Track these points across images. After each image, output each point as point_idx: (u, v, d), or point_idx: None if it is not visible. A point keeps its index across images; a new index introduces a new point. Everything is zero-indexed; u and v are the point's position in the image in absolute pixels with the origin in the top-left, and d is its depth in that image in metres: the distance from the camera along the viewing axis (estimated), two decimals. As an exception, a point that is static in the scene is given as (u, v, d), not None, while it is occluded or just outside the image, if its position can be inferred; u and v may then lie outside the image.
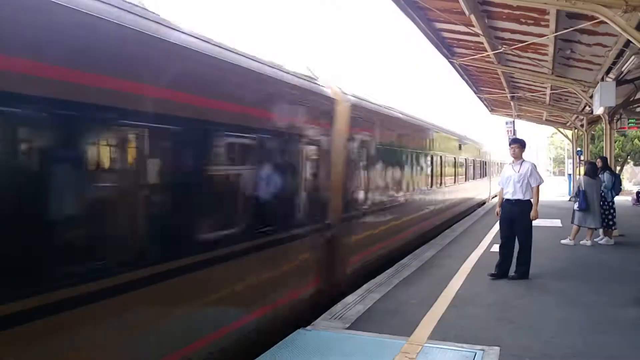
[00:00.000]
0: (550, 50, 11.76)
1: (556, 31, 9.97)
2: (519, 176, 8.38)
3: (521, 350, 5.22)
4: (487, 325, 6.08)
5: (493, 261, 8.71)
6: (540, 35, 10.88)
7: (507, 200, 8.48)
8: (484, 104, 25.31)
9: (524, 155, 8.62)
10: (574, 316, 6.41)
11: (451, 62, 15.10)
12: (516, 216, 8.32)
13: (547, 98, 19.76)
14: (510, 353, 5.15)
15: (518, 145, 8.60)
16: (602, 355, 5.16)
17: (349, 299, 7.15)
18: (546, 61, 13.21)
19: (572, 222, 11.92)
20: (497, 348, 5.26)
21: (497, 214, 8.68)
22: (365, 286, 7.84)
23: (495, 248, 9.31)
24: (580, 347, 5.37)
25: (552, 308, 6.77)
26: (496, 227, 11.10)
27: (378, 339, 5.55)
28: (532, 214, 8.27)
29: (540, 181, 8.40)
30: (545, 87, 17.63)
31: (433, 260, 9.98)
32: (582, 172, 13.62)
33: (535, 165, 8.51)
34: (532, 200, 8.33)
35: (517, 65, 14.91)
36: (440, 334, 5.70)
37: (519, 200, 8.31)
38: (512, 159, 8.64)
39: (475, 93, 21.19)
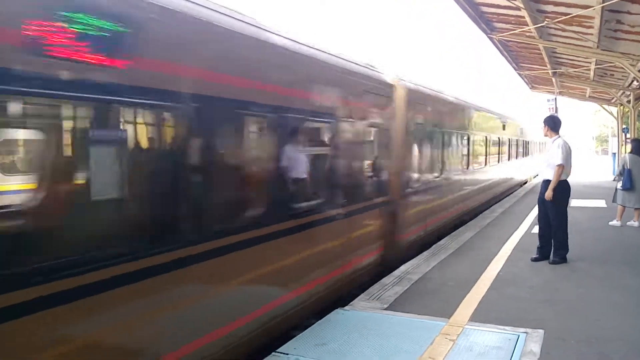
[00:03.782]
0: (596, 22, 11.24)
1: (603, 2, 9.51)
2: (548, 155, 8.12)
3: (566, 333, 5.08)
4: (529, 307, 5.94)
5: (534, 243, 8.48)
6: (586, 7, 10.41)
7: (542, 180, 8.23)
8: (524, 81, 24.63)
9: (561, 133, 8.20)
10: (619, 299, 6.20)
11: (490, 38, 14.65)
12: (544, 196, 8.01)
13: (592, 73, 19.00)
14: (554, 336, 5.02)
15: (546, 123, 8.25)
16: (652, 339, 4.98)
17: (386, 280, 7.09)
18: (591, 34, 12.64)
19: (614, 202, 11.49)
20: (541, 331, 5.13)
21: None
22: (402, 267, 7.77)
23: (536, 230, 9.08)
24: (627, 330, 5.19)
25: (597, 290, 6.57)
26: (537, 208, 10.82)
27: (417, 320, 5.49)
28: (546, 193, 7.92)
29: (560, 161, 7.77)
30: (590, 62, 16.93)
31: (472, 242, 9.80)
32: (628, 150, 13.06)
33: (561, 144, 7.91)
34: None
35: (560, 39, 14.35)
36: (481, 315, 5.60)
37: (546, 180, 8.04)
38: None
39: (515, 70, 20.58)
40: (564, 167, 7.81)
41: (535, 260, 8.11)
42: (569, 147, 8.01)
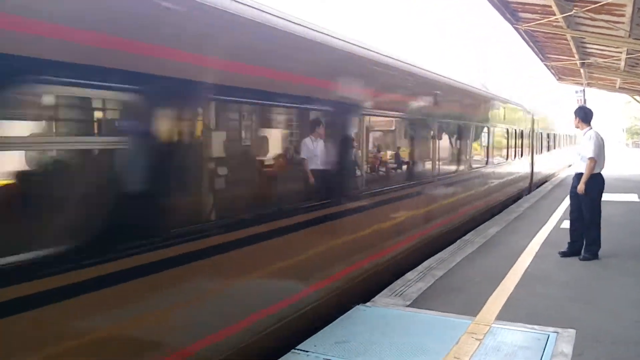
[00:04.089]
0: (628, 10, 10.82)
1: (636, -12, 9.13)
2: (579, 148, 7.84)
3: (600, 334, 4.82)
4: (560, 305, 5.68)
5: (564, 239, 8.19)
6: (617, -6, 10.05)
7: (575, 173, 7.95)
8: (551, 72, 24.07)
9: (592, 124, 7.87)
10: (658, 298, 5.90)
11: (515, 28, 14.28)
12: (576, 190, 7.71)
13: (622, 64, 18.39)
14: (587, 336, 4.77)
15: (577, 114, 7.93)
16: (693, 340, 4.69)
17: (410, 275, 6.89)
18: (623, 23, 12.20)
19: None
20: (573, 331, 4.88)
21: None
22: (426, 263, 7.55)
23: (566, 224, 8.77)
24: (668, 331, 4.91)
25: (632, 289, 6.27)
26: (566, 201, 10.47)
27: (442, 317, 5.29)
28: (578, 186, 7.61)
29: (591, 154, 7.45)
30: (620, 52, 16.40)
31: (498, 237, 9.52)
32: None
33: (592, 136, 7.58)
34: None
35: (589, 29, 13.92)
36: (509, 314, 5.37)
37: (579, 173, 7.73)
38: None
39: (542, 61, 20.09)
40: (596, 160, 7.50)
41: (564, 255, 7.82)
42: (602, 139, 7.68)
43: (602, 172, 7.69)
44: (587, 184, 7.50)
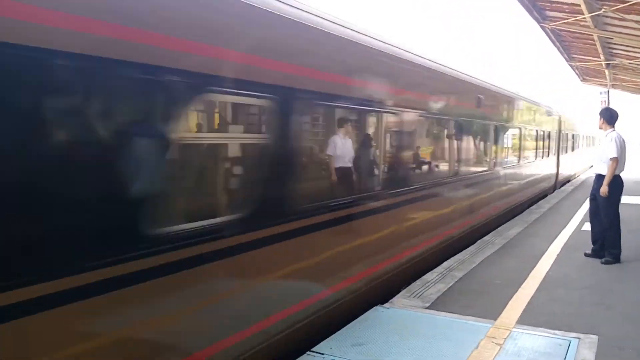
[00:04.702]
0: (658, 10, 10.62)
1: (668, -13, 8.92)
2: (600, 149, 7.73)
3: (623, 341, 4.73)
4: (582, 310, 5.59)
5: (585, 241, 8.07)
6: (648, -7, 9.83)
7: (595, 175, 7.87)
8: (575, 73, 23.67)
9: (616, 126, 7.74)
10: (683, 305, 5.77)
11: (542, 27, 14.07)
12: (596, 192, 7.63)
13: (649, 65, 18.09)
14: (610, 343, 4.68)
15: (602, 115, 7.81)
16: None
17: (429, 276, 6.83)
18: (651, 24, 11.97)
19: None
20: (595, 337, 4.79)
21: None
22: (445, 264, 7.49)
23: (587, 227, 8.63)
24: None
25: (657, 295, 6.15)
26: (587, 204, 10.29)
27: (461, 321, 5.22)
28: (601, 188, 7.45)
29: (614, 154, 7.32)
30: (648, 53, 16.10)
31: (518, 239, 9.40)
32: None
33: (615, 137, 7.45)
34: None
35: (617, 29, 13.65)
36: (529, 318, 5.29)
37: (599, 175, 7.62)
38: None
39: (567, 61, 19.77)
40: (619, 160, 7.36)
41: (587, 255, 7.78)
42: (623, 141, 7.54)
43: (621, 175, 7.56)
44: (609, 185, 7.38)
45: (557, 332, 4.93)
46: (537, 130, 15.26)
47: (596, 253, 7.75)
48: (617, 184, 7.50)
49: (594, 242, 7.85)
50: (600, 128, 7.89)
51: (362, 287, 5.67)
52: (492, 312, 5.43)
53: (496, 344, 4.63)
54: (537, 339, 4.77)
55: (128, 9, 2.95)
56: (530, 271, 7.07)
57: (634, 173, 22.34)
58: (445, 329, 4.98)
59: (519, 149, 13.42)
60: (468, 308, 5.59)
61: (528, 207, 13.81)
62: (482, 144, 10.70)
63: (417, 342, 4.66)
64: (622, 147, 7.45)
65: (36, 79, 2.52)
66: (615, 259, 7.55)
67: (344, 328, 4.98)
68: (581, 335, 4.83)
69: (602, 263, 7.53)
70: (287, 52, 4.38)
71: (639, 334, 4.90)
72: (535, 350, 4.53)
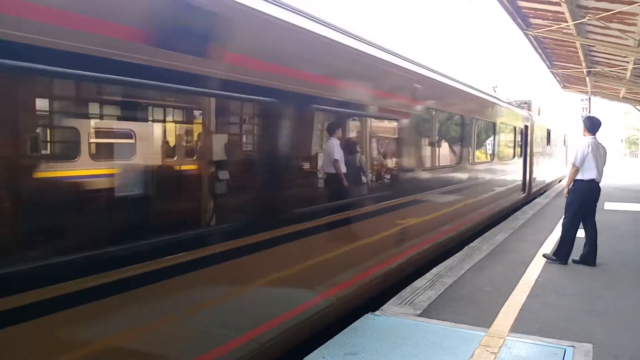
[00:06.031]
0: (640, 19, 10.73)
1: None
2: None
3: (618, 349, 4.68)
4: (574, 317, 5.54)
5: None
6: (630, 3, 9.90)
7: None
8: (557, 79, 23.91)
9: (598, 134, 7.89)
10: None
11: (525, 34, 14.16)
12: None
13: (628, 73, 18.26)
14: (605, 351, 4.63)
15: (584, 124, 8.12)
16: None
17: (418, 283, 6.74)
18: (633, 32, 12.09)
19: None
20: (590, 345, 4.74)
21: None
22: (434, 270, 7.41)
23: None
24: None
25: (645, 300, 6.14)
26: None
27: (454, 329, 5.13)
28: (564, 190, 7.98)
29: (572, 161, 7.87)
30: (627, 62, 16.26)
31: (505, 244, 9.38)
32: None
33: (581, 145, 7.73)
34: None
35: (599, 37, 13.79)
36: (522, 326, 5.22)
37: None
38: None
39: (549, 68, 19.96)
40: (578, 167, 7.62)
41: (575, 262, 7.83)
42: (596, 148, 7.64)
43: (598, 182, 7.71)
44: (571, 189, 7.77)
45: (551, 340, 4.86)
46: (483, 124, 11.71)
47: (584, 259, 7.75)
48: (580, 191, 7.70)
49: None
50: (584, 135, 7.97)
51: None
52: (485, 320, 5.35)
53: (491, 352, 4.54)
54: (532, 347, 4.69)
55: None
56: (520, 277, 7.02)
57: (615, 180, 22.69)
58: (437, 337, 4.88)
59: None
60: (460, 315, 5.51)
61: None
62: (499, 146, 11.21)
63: (410, 350, 4.55)
64: (586, 155, 7.59)
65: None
66: (560, 258, 7.79)
67: (336, 336, 4.85)
68: (576, 344, 4.77)
69: (543, 256, 8.03)
70: None
71: (632, 342, 4.86)
72: (531, 358, 4.46)
